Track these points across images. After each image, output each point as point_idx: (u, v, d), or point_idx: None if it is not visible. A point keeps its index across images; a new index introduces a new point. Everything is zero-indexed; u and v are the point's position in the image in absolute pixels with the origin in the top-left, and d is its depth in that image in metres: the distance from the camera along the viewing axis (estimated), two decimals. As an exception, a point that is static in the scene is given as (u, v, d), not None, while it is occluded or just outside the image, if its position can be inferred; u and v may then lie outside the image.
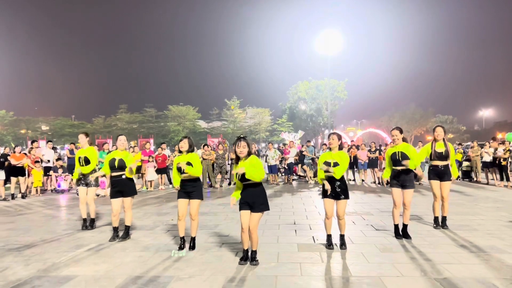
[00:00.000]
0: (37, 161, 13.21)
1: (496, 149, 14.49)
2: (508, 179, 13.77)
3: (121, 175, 6.37)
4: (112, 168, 6.37)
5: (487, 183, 14.60)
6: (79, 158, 7.39)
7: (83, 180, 7.37)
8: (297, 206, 9.65)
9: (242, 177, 4.82)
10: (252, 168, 4.74)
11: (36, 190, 13.09)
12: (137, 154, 14.45)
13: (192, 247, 5.74)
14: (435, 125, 7.26)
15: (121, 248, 5.90)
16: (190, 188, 5.69)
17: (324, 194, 5.69)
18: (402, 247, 5.68)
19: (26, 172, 12.83)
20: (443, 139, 7.00)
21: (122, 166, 6.35)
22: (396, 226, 6.32)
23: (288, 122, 64.02)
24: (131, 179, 6.52)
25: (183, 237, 5.78)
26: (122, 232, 6.49)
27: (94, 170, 7.50)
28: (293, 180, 16.38)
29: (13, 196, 11.99)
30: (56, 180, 13.90)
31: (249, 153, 4.97)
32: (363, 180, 15.77)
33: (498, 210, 8.74)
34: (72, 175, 8.08)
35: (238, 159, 4.99)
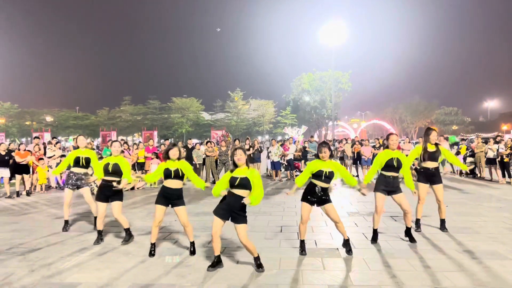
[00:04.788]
0: (41, 158, 13.29)
1: (499, 146, 14.44)
2: (510, 176, 13.74)
3: (112, 181, 6.33)
4: (106, 172, 6.39)
5: (491, 180, 14.56)
6: (79, 157, 7.39)
7: (73, 181, 7.37)
8: (299, 206, 9.61)
9: (233, 184, 4.88)
10: (255, 194, 4.89)
11: (41, 187, 13.18)
12: (141, 151, 14.52)
13: (193, 252, 5.78)
14: (430, 129, 7.18)
15: (124, 252, 5.95)
16: (173, 197, 5.64)
17: (303, 197, 5.71)
18: (404, 252, 5.70)
19: (31, 170, 12.93)
20: (436, 143, 6.95)
21: (116, 171, 6.37)
22: (375, 231, 6.32)
23: (291, 114, 63.98)
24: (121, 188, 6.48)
25: (154, 243, 5.79)
26: (125, 235, 6.54)
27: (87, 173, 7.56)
28: (296, 176, 16.38)
29: (18, 194, 12.09)
30: (61, 177, 13.97)
31: (247, 163, 5.03)
32: (366, 176, 15.74)
33: (501, 210, 8.72)
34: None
35: (235, 166, 5.04)
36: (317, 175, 5.58)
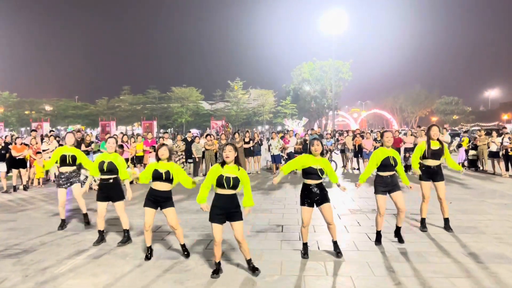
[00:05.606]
0: (39, 152, 13.10)
1: (502, 139, 14.25)
2: (515, 170, 13.60)
3: (109, 179, 6.22)
4: (101, 171, 6.22)
5: (494, 173, 14.40)
6: (65, 156, 7.18)
7: (64, 179, 7.22)
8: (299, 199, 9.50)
9: (222, 184, 4.68)
10: (247, 195, 4.90)
11: (38, 181, 13.02)
12: (139, 144, 14.33)
13: (187, 254, 5.59)
14: (431, 124, 7.06)
15: (121, 254, 5.80)
16: (160, 199, 5.43)
17: (302, 201, 5.51)
18: (409, 256, 5.53)
19: (28, 163, 12.75)
20: (438, 139, 6.80)
21: (111, 169, 6.21)
22: (378, 233, 6.16)
23: (292, 104, 63.63)
24: (119, 184, 6.35)
25: (150, 246, 5.61)
26: (123, 237, 6.39)
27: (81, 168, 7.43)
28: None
29: (15, 188, 11.93)
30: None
31: (237, 160, 4.83)
32: (367, 169, 15.57)
33: (506, 207, 8.56)
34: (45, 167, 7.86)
35: (224, 162, 4.85)
36: (308, 172, 5.39)
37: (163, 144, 5.60)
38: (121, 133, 16.04)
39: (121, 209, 6.28)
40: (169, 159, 5.51)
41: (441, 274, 4.85)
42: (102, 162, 6.20)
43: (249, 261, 4.93)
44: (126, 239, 6.34)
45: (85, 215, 7.48)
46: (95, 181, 9.92)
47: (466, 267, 5.06)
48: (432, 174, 6.79)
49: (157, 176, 5.37)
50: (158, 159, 5.47)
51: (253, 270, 4.88)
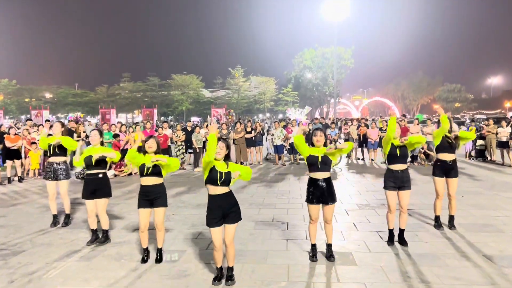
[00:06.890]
0: (34, 142, 12.67)
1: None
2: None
3: (97, 173, 5.81)
4: (89, 165, 5.80)
5: (503, 164, 13.97)
6: (50, 145, 6.75)
7: (50, 172, 6.78)
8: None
9: (215, 180, 4.26)
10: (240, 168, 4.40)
11: (34, 172, 12.62)
12: (136, 134, 13.90)
13: (159, 259, 5.13)
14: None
15: (115, 256, 5.40)
16: (153, 194, 5.01)
17: (308, 198, 5.07)
18: (425, 258, 5.13)
19: (23, 154, 12.34)
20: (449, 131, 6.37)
21: (99, 162, 5.80)
22: (390, 232, 5.78)
23: (293, 92, 62.96)
24: (107, 180, 5.96)
25: (147, 247, 5.20)
26: (101, 236, 6.00)
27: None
28: (300, 159, 15.82)
29: (9, 180, 11.52)
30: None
31: (228, 157, 4.44)
32: (372, 160, 15.20)
33: (521, 202, 8.16)
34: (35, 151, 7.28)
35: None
36: (311, 163, 4.97)
37: (151, 136, 5.19)
38: (119, 122, 15.61)
39: (102, 208, 5.85)
40: (156, 152, 5.07)
41: (463, 280, 4.45)
42: (90, 156, 5.78)
43: (229, 269, 4.47)
44: (105, 239, 5.96)
45: (68, 216, 7.07)
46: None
47: (489, 272, 4.67)
48: (446, 170, 6.37)
49: (143, 171, 4.96)
50: (144, 152, 5.02)
51: (228, 278, 4.44)
